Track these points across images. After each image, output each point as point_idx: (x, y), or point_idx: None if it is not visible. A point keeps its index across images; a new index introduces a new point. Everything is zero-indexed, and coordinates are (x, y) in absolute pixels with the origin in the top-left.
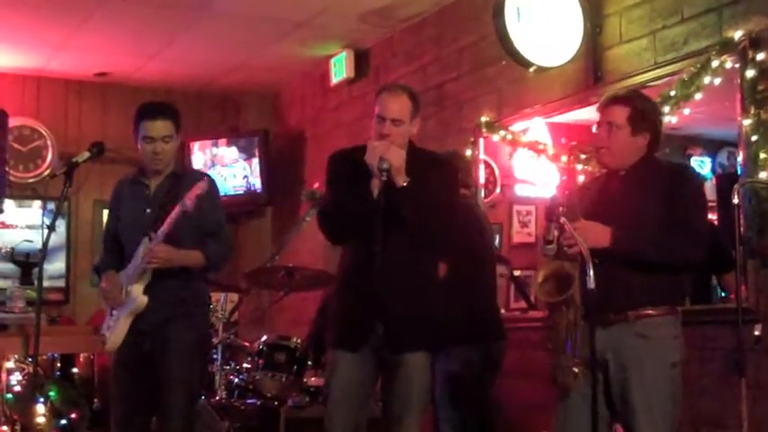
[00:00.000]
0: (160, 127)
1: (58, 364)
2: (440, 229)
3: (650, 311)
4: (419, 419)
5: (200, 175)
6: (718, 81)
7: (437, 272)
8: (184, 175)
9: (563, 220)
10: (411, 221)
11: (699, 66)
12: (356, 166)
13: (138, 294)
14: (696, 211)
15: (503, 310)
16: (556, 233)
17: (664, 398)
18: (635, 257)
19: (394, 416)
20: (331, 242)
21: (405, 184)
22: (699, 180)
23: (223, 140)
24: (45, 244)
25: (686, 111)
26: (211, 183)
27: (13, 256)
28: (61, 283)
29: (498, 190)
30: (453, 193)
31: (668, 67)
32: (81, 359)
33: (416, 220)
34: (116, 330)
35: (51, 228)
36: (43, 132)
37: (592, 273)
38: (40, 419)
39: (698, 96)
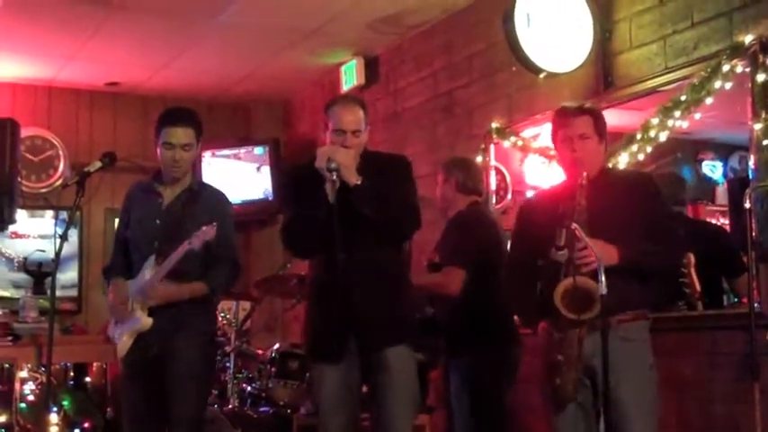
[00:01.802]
0: (181, 134)
1: (71, 374)
2: (401, 221)
3: (629, 316)
4: (411, 422)
5: (218, 195)
6: (729, 85)
7: (406, 266)
8: (201, 192)
9: (574, 225)
10: (370, 218)
11: (709, 70)
12: (313, 178)
13: (143, 315)
14: (672, 216)
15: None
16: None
17: (648, 397)
18: (637, 270)
19: (385, 421)
20: (298, 257)
21: (358, 182)
22: (661, 185)
23: (234, 149)
24: (57, 253)
25: (697, 115)
26: (226, 205)
27: (25, 265)
28: (74, 293)
29: (509, 196)
30: (414, 189)
31: (679, 72)
32: (94, 368)
33: (376, 217)
34: (120, 344)
35: (64, 237)
36: (55, 142)
37: (603, 278)
38: (54, 429)
39: (709, 101)
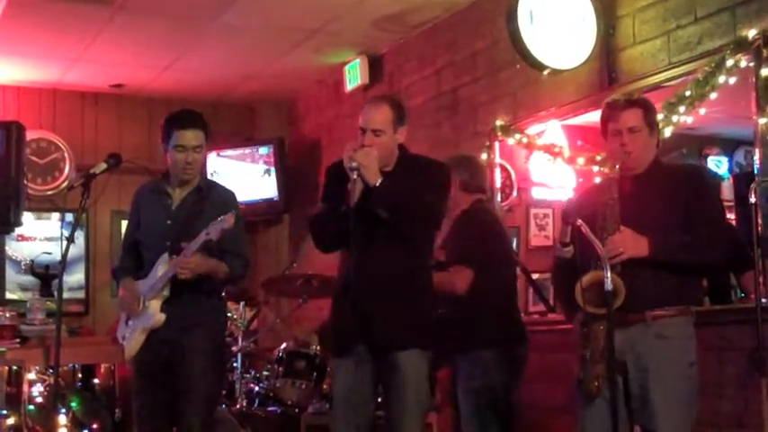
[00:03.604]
0: (192, 137)
1: (79, 375)
2: (420, 225)
3: (668, 311)
4: (420, 423)
5: (227, 194)
6: (732, 80)
7: (425, 269)
8: (210, 190)
9: (579, 222)
10: (389, 219)
11: (713, 65)
12: (343, 176)
13: (156, 311)
14: (720, 210)
15: (522, 314)
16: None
17: (683, 397)
18: (671, 263)
19: (394, 421)
20: (320, 250)
21: (377, 183)
22: (716, 180)
23: (239, 149)
24: (64, 256)
25: (702, 111)
26: (235, 203)
27: (32, 268)
28: (81, 295)
29: (515, 194)
30: (438, 192)
31: (682, 67)
32: (101, 370)
33: (394, 218)
34: (132, 342)
35: (70, 239)
36: (60, 145)
37: (609, 274)
38: (62, 430)
39: (713, 96)
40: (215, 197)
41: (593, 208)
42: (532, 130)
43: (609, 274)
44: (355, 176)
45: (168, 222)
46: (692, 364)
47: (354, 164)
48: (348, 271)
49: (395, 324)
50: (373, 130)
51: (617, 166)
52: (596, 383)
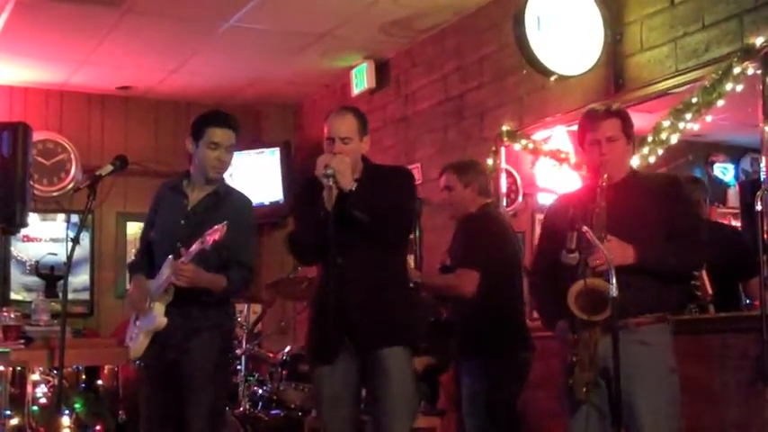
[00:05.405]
0: (227, 135)
1: (83, 377)
2: (388, 227)
3: (647, 319)
4: (407, 420)
5: (243, 201)
6: (740, 87)
7: (403, 270)
8: (226, 196)
9: (585, 228)
10: (364, 223)
11: (720, 72)
12: (317, 187)
13: (159, 314)
14: (697, 220)
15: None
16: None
17: (667, 402)
18: (656, 270)
19: (380, 420)
20: (300, 264)
21: (352, 188)
22: (689, 189)
23: (245, 152)
24: (69, 257)
25: (708, 118)
26: (248, 211)
27: (37, 269)
28: (85, 296)
29: (520, 199)
30: (409, 196)
31: (690, 74)
32: (105, 371)
33: (370, 222)
34: (137, 343)
35: (75, 241)
36: (66, 146)
37: (614, 281)
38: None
39: (720, 103)
40: (231, 203)
41: (580, 216)
42: (539, 135)
43: (614, 281)
44: (330, 183)
45: (182, 223)
46: (673, 370)
47: (330, 170)
48: (329, 277)
49: (381, 323)
50: (342, 138)
51: (605, 175)
52: (585, 390)
